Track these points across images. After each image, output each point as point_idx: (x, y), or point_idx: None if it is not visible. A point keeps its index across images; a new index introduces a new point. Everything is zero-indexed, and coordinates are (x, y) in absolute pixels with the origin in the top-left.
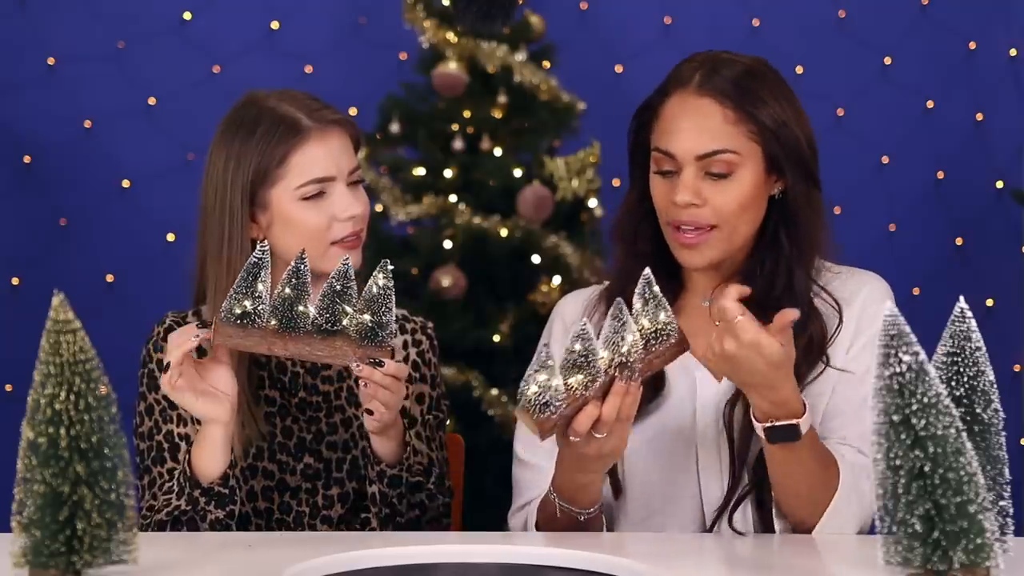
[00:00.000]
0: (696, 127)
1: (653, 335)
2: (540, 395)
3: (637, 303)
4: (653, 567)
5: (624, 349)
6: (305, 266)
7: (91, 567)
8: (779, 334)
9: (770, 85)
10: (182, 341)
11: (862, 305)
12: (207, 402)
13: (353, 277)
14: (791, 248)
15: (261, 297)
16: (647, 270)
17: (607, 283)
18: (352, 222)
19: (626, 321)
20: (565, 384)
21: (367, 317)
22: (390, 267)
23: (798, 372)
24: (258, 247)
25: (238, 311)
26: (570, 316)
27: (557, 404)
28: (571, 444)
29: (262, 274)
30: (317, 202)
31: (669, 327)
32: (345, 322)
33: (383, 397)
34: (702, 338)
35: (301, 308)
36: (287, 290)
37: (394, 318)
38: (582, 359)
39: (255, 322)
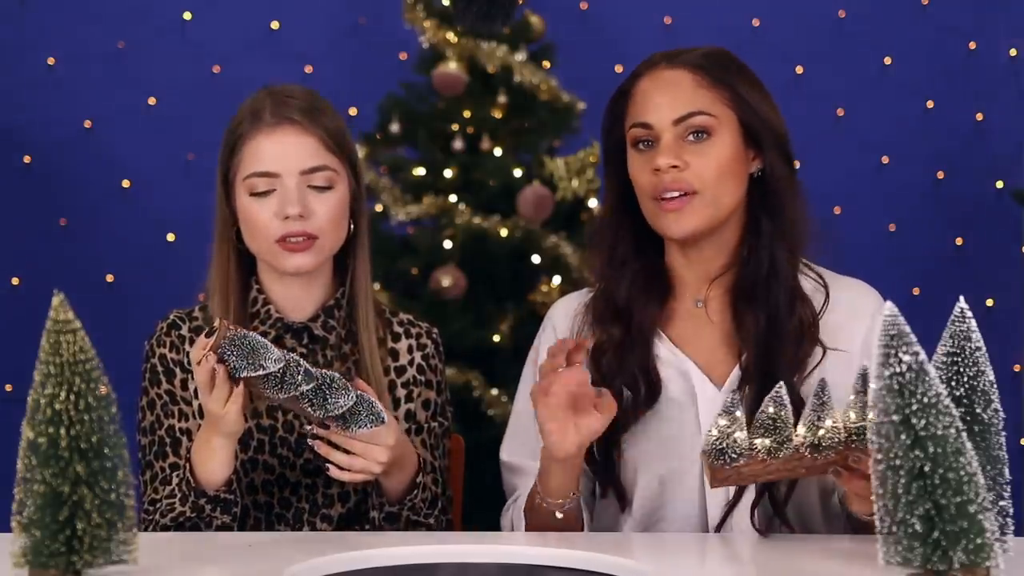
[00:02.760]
0: (670, 94)
1: (856, 431)
2: (719, 441)
3: (852, 395)
4: (654, 567)
5: (821, 432)
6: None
7: (91, 567)
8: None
9: (738, 66)
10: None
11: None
12: (241, 423)
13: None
14: (772, 229)
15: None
16: (866, 363)
17: (592, 296)
18: (292, 222)
19: (827, 402)
20: (751, 443)
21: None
22: (384, 419)
23: (795, 357)
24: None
25: (235, 356)
26: (560, 322)
27: (734, 456)
28: None
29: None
30: (263, 198)
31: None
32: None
33: (345, 462)
34: (694, 339)
35: (298, 379)
36: (300, 383)
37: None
38: (770, 422)
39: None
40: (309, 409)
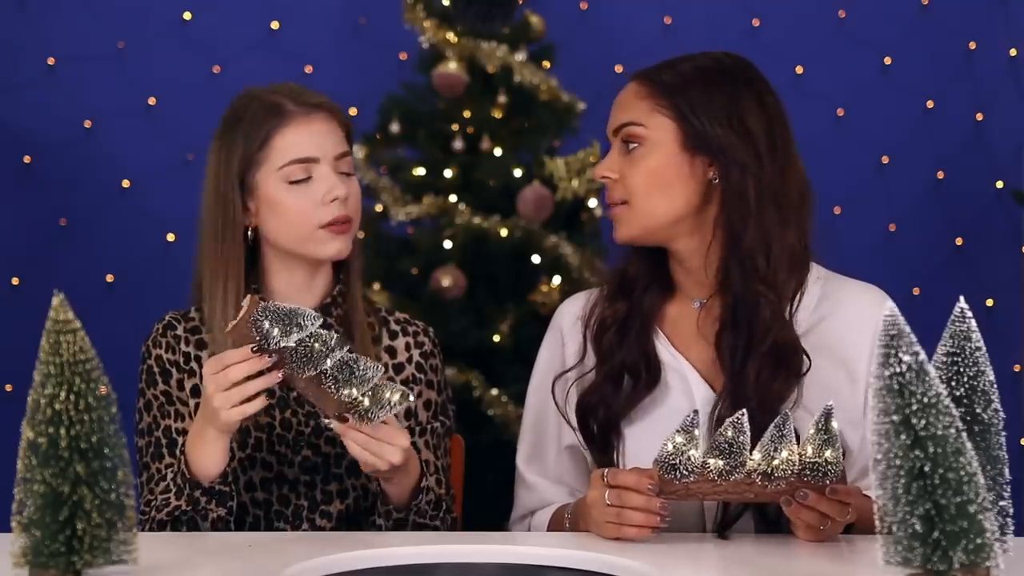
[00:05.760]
0: (616, 106)
1: (811, 466)
2: (672, 456)
3: (811, 429)
4: (654, 567)
5: (775, 461)
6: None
7: (91, 567)
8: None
9: (714, 74)
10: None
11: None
12: (238, 421)
13: (379, 373)
14: (731, 244)
15: (290, 335)
16: (831, 403)
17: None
18: (338, 205)
19: (786, 435)
20: (704, 461)
21: (367, 403)
22: (411, 398)
23: (768, 386)
24: (311, 314)
25: (267, 325)
26: (567, 321)
27: (685, 473)
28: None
29: (304, 323)
30: (301, 186)
31: (830, 467)
32: (346, 391)
33: (362, 441)
34: (692, 344)
35: (322, 358)
36: (316, 344)
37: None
38: (727, 446)
39: (279, 342)
40: (332, 387)
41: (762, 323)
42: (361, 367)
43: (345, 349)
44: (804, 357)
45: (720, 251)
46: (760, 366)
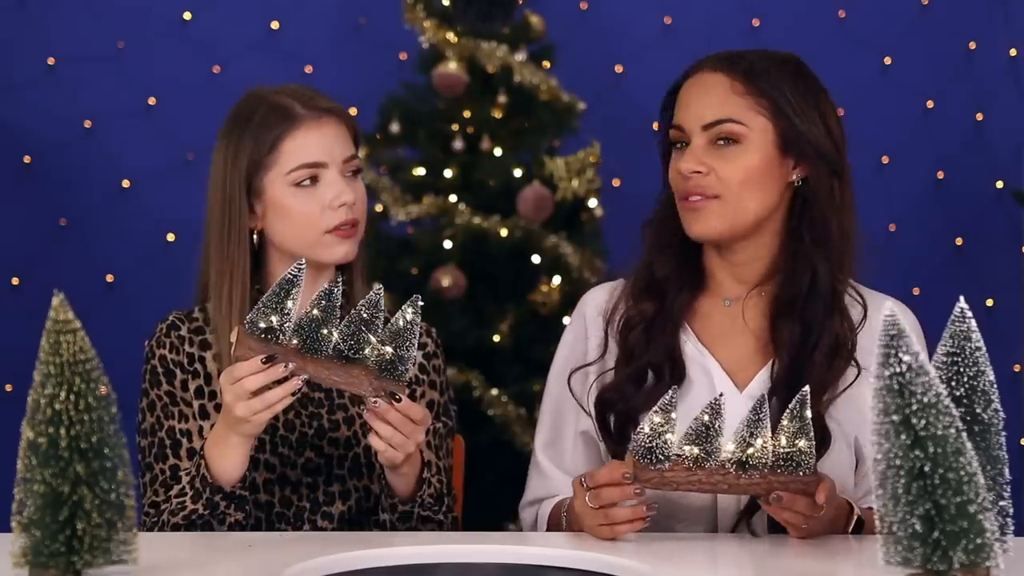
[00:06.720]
0: (703, 98)
1: (784, 456)
2: (649, 439)
3: (785, 419)
4: (654, 567)
5: (750, 450)
6: (337, 289)
7: (91, 567)
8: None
9: (794, 74)
10: (284, 392)
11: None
12: (263, 425)
13: (383, 308)
14: (812, 241)
15: (288, 314)
16: (807, 388)
17: (630, 277)
18: (345, 210)
19: (761, 420)
20: (680, 448)
21: (389, 350)
22: (420, 303)
23: (825, 373)
24: (294, 264)
25: (263, 325)
26: (591, 311)
27: (661, 458)
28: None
29: (293, 291)
30: (309, 189)
31: (803, 457)
32: (367, 351)
33: (388, 434)
34: (721, 340)
35: (325, 331)
36: (315, 311)
37: (415, 355)
38: (703, 431)
39: (278, 338)
40: (352, 356)
41: (836, 323)
42: (363, 327)
43: (339, 320)
44: (856, 365)
45: (786, 249)
46: (823, 356)
